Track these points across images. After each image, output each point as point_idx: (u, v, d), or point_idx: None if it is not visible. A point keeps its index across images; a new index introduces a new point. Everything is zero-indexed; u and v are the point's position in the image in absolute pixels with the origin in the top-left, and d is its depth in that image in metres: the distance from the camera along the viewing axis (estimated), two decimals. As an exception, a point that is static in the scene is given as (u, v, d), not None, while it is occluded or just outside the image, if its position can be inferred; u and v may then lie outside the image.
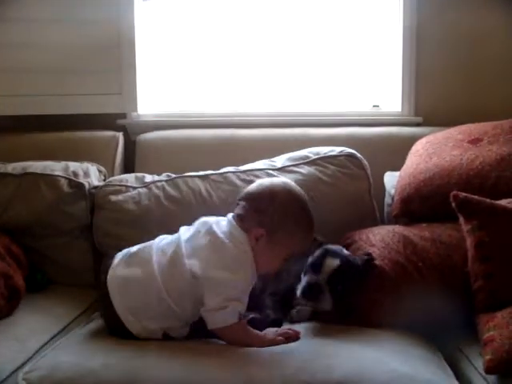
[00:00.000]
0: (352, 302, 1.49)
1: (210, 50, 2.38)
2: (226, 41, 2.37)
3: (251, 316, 1.47)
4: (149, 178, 1.93)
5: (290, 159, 1.91)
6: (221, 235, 1.39)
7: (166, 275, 1.38)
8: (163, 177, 1.92)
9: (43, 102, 2.25)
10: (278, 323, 1.48)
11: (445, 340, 1.46)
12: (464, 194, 1.44)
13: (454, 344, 1.44)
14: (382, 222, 1.88)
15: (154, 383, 1.23)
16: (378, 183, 1.92)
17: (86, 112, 2.28)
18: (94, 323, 1.54)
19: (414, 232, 1.62)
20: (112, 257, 1.49)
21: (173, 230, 1.50)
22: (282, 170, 1.85)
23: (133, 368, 1.26)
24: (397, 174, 1.91)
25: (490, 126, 1.84)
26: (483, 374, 1.22)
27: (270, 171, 1.85)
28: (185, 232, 1.46)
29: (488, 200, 1.44)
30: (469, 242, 1.43)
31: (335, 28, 2.35)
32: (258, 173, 1.85)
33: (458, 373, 1.32)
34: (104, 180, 2.01)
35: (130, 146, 2.26)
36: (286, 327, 1.46)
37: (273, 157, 1.95)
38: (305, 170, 1.86)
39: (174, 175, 1.91)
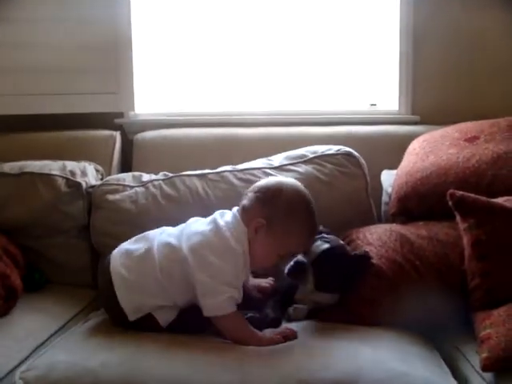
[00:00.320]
0: (345, 298, 1.50)
1: (207, 48, 2.38)
2: (223, 39, 2.37)
3: (250, 315, 1.47)
4: (146, 177, 1.93)
5: (287, 158, 1.91)
6: (221, 224, 1.43)
7: (162, 252, 1.44)
8: (160, 176, 1.92)
9: (40, 102, 2.25)
10: (276, 323, 1.49)
11: (442, 338, 1.46)
12: (461, 193, 1.44)
13: (451, 342, 1.44)
14: (379, 221, 1.89)
15: (153, 382, 1.23)
16: (375, 182, 1.92)
17: (83, 111, 2.28)
18: (92, 322, 1.54)
19: (411, 230, 1.62)
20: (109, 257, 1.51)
21: (170, 229, 1.51)
22: (280, 168, 1.85)
23: (131, 367, 1.27)
24: (394, 172, 1.92)
25: (486, 124, 1.84)
26: (480, 371, 1.23)
27: (268, 170, 1.84)
28: (195, 221, 1.52)
29: (485, 198, 1.44)
30: (465, 241, 1.43)
31: (333, 27, 2.34)
32: (255, 172, 1.84)
33: (454, 370, 1.32)
34: (101, 179, 2.01)
35: (128, 145, 2.26)
36: (283, 326, 1.46)
37: (270, 155, 1.95)
38: (302, 168, 1.86)
39: (171, 174, 1.91)
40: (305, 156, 1.90)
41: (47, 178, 1.88)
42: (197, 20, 2.36)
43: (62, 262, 1.89)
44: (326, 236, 1.53)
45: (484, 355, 1.20)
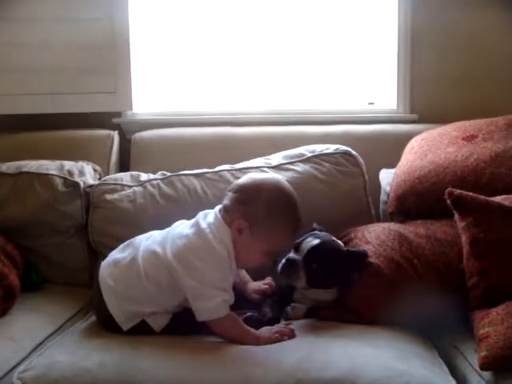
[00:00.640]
0: (344, 297, 1.50)
1: (205, 48, 2.38)
2: (220, 39, 2.37)
3: (248, 314, 1.48)
4: (144, 176, 1.93)
5: (285, 157, 1.91)
6: (203, 226, 1.42)
7: (147, 259, 1.43)
8: (158, 175, 1.92)
9: (38, 101, 2.24)
10: (275, 322, 1.48)
11: (440, 337, 1.46)
12: (459, 191, 1.44)
13: (450, 341, 1.44)
14: (378, 220, 1.89)
15: (150, 382, 1.23)
16: (373, 180, 1.92)
17: (80, 111, 2.27)
18: (90, 322, 1.54)
19: (409, 229, 1.62)
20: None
21: (168, 229, 1.51)
22: (278, 167, 1.85)
23: (128, 367, 1.27)
24: (392, 171, 1.91)
25: (484, 122, 1.84)
26: (478, 370, 1.23)
27: (266, 169, 1.84)
28: (179, 223, 1.51)
29: (483, 197, 1.44)
30: (464, 239, 1.43)
31: (331, 26, 2.34)
32: (253, 171, 1.84)
33: (453, 369, 1.32)
34: (99, 179, 2.00)
35: (125, 145, 2.25)
36: (281, 325, 1.46)
37: (268, 155, 1.95)
38: (300, 167, 1.86)
39: (169, 173, 1.91)
40: (303, 155, 1.90)
41: (45, 177, 1.87)
42: (194, 20, 2.36)
43: (60, 261, 1.89)
44: (317, 232, 1.53)
45: (482, 354, 1.20)
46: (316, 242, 1.47)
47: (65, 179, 1.88)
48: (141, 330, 1.42)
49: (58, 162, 1.96)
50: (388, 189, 1.90)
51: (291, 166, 1.86)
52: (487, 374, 1.21)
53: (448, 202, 1.44)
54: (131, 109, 2.33)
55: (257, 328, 1.41)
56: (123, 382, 1.23)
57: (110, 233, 1.82)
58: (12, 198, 1.85)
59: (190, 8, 2.36)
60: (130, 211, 1.82)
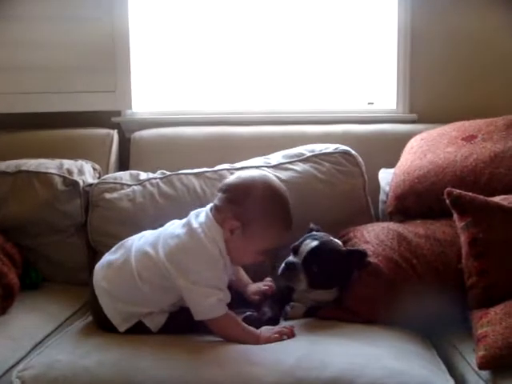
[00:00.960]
0: (342, 296, 1.50)
1: (205, 47, 2.38)
2: (220, 39, 2.37)
3: (248, 314, 1.48)
4: (143, 175, 1.93)
5: (284, 156, 1.91)
6: (195, 226, 1.42)
7: (139, 261, 1.43)
8: (158, 174, 1.92)
9: (37, 100, 2.24)
10: (274, 321, 1.48)
11: (439, 336, 1.47)
12: (458, 191, 1.44)
13: (448, 340, 1.44)
14: (377, 219, 1.89)
15: (150, 381, 1.23)
16: (372, 180, 1.92)
17: (80, 110, 2.27)
18: (89, 321, 1.54)
19: (408, 229, 1.62)
20: None
21: (167, 228, 1.51)
22: (277, 167, 1.85)
23: (127, 366, 1.27)
24: (391, 171, 1.92)
25: (484, 123, 1.84)
26: (476, 369, 1.23)
27: (265, 168, 1.84)
28: (171, 223, 1.51)
29: (482, 197, 1.44)
30: (463, 239, 1.43)
31: (330, 26, 2.34)
32: (251, 169, 1.84)
33: (451, 368, 1.32)
34: (98, 178, 2.00)
35: (125, 144, 2.25)
36: (280, 325, 1.46)
37: (268, 154, 1.95)
38: (300, 167, 1.86)
39: (168, 173, 1.91)
40: (302, 154, 1.90)
41: (44, 176, 1.87)
42: (193, 19, 2.36)
43: (59, 260, 1.89)
44: (315, 233, 1.52)
45: (481, 353, 1.20)
46: (315, 243, 1.47)
47: (64, 178, 1.88)
48: (138, 330, 1.42)
49: (57, 161, 1.96)
50: (387, 188, 1.90)
51: (291, 166, 1.86)
52: (485, 374, 1.21)
53: (447, 201, 1.44)
54: (131, 108, 2.33)
55: (256, 327, 1.41)
56: (122, 381, 1.23)
57: (110, 232, 1.81)
58: (11, 196, 1.85)
59: (189, 7, 2.36)
60: (130, 210, 1.82)
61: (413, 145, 1.92)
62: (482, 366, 1.20)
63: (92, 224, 1.86)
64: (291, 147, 1.95)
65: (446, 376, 1.27)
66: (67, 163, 1.95)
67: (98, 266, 1.52)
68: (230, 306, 1.42)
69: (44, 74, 2.24)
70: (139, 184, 1.88)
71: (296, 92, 2.39)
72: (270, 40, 2.36)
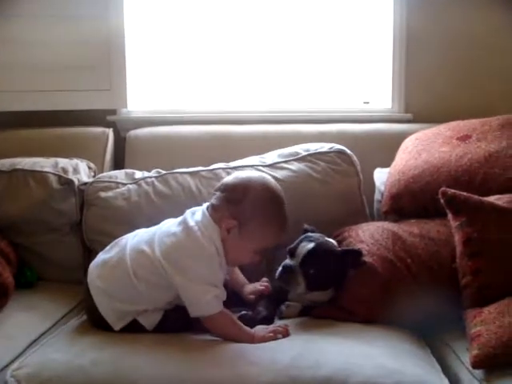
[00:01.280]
0: (337, 295, 1.51)
1: (201, 46, 2.37)
2: (216, 37, 2.36)
3: (242, 313, 1.48)
4: (139, 174, 1.93)
5: (280, 156, 1.91)
6: (191, 224, 1.42)
7: (135, 259, 1.44)
8: (153, 173, 1.92)
9: (32, 98, 2.23)
10: (269, 320, 1.48)
11: (433, 335, 1.47)
12: (452, 191, 1.45)
13: (442, 339, 1.45)
14: (372, 219, 1.89)
15: (144, 380, 1.23)
16: (367, 180, 1.93)
17: (75, 108, 2.26)
18: (84, 320, 1.54)
19: (403, 228, 1.63)
20: None
21: (162, 227, 1.50)
22: (272, 166, 1.85)
23: (122, 365, 1.27)
24: (386, 170, 1.92)
25: (478, 122, 1.85)
26: (470, 368, 1.23)
27: (260, 167, 1.84)
28: (166, 222, 1.51)
29: (476, 196, 1.45)
30: (457, 238, 1.44)
31: (326, 25, 2.34)
32: (247, 169, 1.84)
33: (445, 367, 1.33)
34: (94, 176, 2.00)
35: (120, 143, 2.25)
36: (275, 324, 1.46)
37: (263, 153, 1.95)
38: (295, 166, 1.86)
39: (163, 171, 1.91)
40: (298, 154, 1.90)
41: (39, 174, 1.87)
42: (190, 17, 2.36)
43: (54, 259, 1.88)
44: (310, 235, 1.52)
45: (474, 352, 1.21)
46: (311, 245, 1.47)
47: (59, 177, 1.88)
48: (133, 329, 1.42)
49: (52, 160, 1.95)
50: (382, 188, 1.90)
51: (286, 165, 1.86)
52: (479, 373, 1.22)
53: (442, 201, 1.45)
54: (126, 106, 2.33)
55: (251, 326, 1.42)
56: (117, 380, 1.23)
57: (105, 230, 1.81)
58: (6, 195, 1.84)
59: (185, 6, 2.35)
60: (125, 209, 1.82)
61: (408, 144, 1.93)
62: (475, 365, 1.21)
63: (87, 223, 1.85)
64: (286, 146, 1.96)
65: (440, 375, 1.27)
66: (62, 162, 1.95)
67: (93, 264, 1.52)
68: (226, 305, 1.42)
69: (38, 72, 2.23)
70: (134, 183, 1.88)
71: (291, 91, 2.39)
72: (265, 39, 2.36)
